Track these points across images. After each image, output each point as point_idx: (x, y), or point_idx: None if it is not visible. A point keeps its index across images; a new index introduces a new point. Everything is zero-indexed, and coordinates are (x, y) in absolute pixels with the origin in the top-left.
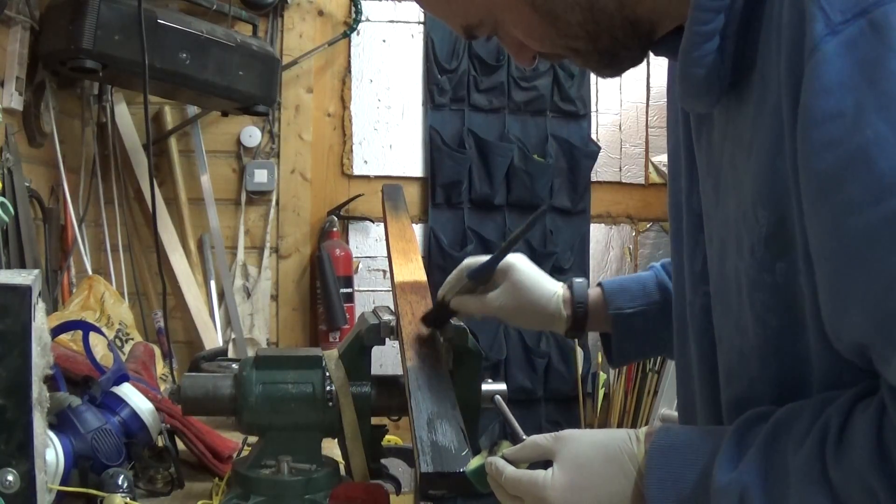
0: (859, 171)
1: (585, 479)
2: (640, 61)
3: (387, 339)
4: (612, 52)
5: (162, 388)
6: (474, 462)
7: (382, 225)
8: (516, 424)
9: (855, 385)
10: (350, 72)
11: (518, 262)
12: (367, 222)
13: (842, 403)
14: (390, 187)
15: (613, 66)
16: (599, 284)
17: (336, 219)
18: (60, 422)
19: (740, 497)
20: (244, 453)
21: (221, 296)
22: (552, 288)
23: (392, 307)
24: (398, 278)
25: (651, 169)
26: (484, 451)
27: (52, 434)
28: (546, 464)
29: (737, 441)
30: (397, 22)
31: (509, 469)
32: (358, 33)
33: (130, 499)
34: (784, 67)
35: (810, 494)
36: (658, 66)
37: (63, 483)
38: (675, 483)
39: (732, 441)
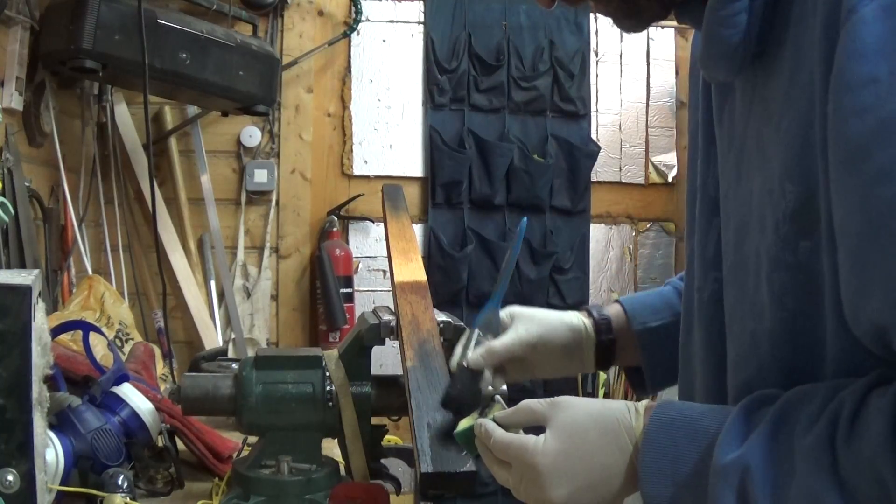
0: (892, 140)
1: (578, 448)
2: (662, 17)
3: (387, 339)
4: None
5: (162, 388)
6: (464, 423)
7: (382, 225)
8: None
9: (868, 374)
10: (350, 72)
11: (517, 306)
12: (367, 222)
13: (856, 389)
14: (390, 187)
15: (634, 16)
16: (617, 301)
17: (336, 219)
18: (60, 422)
19: (741, 478)
20: (244, 453)
21: (221, 296)
22: (566, 313)
23: (392, 307)
24: (398, 278)
25: (651, 169)
26: (475, 413)
27: (52, 434)
28: (538, 430)
29: (742, 420)
30: (397, 22)
31: (499, 432)
32: (358, 33)
33: (130, 499)
34: (819, 32)
35: (816, 480)
36: (658, 66)
37: (63, 483)
38: (672, 460)
39: (738, 420)
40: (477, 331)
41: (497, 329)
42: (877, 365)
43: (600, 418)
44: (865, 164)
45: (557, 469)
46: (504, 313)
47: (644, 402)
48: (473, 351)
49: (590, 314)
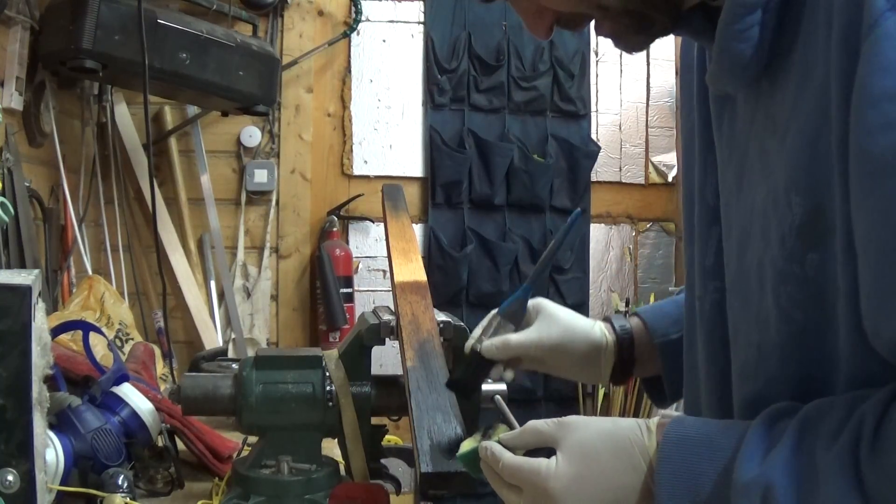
0: None
1: (592, 470)
2: (668, 32)
3: (387, 339)
4: (642, 13)
5: (162, 388)
6: (467, 445)
7: (382, 225)
8: (517, 424)
9: (885, 385)
10: (350, 72)
11: (545, 300)
12: (367, 222)
13: (877, 401)
14: (390, 187)
15: (642, 31)
16: (635, 313)
17: (336, 219)
18: (60, 422)
19: (763, 496)
20: (244, 453)
21: (221, 296)
22: (589, 320)
23: (392, 307)
24: (398, 278)
25: (651, 169)
26: (477, 434)
27: (52, 434)
28: (546, 451)
29: (761, 436)
30: (397, 22)
31: (507, 455)
32: (358, 33)
33: (130, 499)
34: (836, 45)
35: (841, 495)
36: (658, 66)
37: (63, 483)
38: (689, 479)
39: (756, 436)
40: (499, 317)
41: (520, 318)
42: (893, 375)
43: (612, 438)
44: (890, 181)
45: (572, 493)
46: (531, 304)
47: (655, 420)
48: (490, 339)
49: (613, 328)
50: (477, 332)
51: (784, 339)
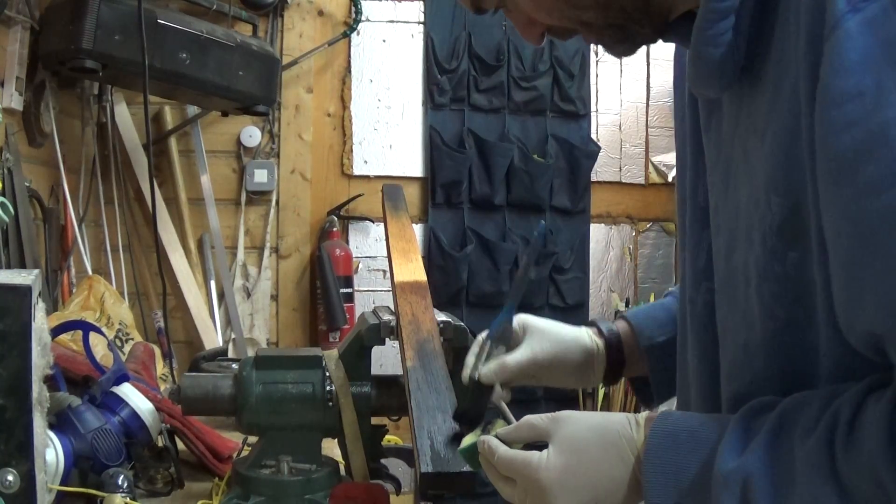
0: (879, 153)
1: (581, 462)
2: (654, 41)
3: (387, 339)
4: (622, 26)
5: (162, 388)
6: (467, 440)
7: (382, 225)
8: (514, 420)
9: (863, 379)
10: (350, 72)
11: (529, 316)
12: (367, 222)
13: (853, 394)
14: (390, 187)
15: (625, 42)
16: (623, 317)
17: (336, 219)
18: (60, 422)
19: (743, 486)
20: (244, 453)
21: (221, 296)
22: (575, 328)
23: (392, 307)
24: (398, 278)
25: (651, 169)
26: (478, 430)
27: (52, 434)
28: (541, 445)
29: (742, 429)
30: (397, 22)
31: (502, 449)
32: (358, 33)
33: (130, 499)
34: (802, 46)
35: (817, 486)
36: (658, 66)
37: (63, 483)
38: (674, 471)
39: (737, 429)
40: (489, 341)
41: (509, 339)
42: (872, 369)
43: (601, 431)
44: (854, 178)
45: (562, 484)
46: (516, 322)
47: (644, 414)
48: (485, 365)
49: (600, 332)
50: (470, 359)
51: (768, 336)
